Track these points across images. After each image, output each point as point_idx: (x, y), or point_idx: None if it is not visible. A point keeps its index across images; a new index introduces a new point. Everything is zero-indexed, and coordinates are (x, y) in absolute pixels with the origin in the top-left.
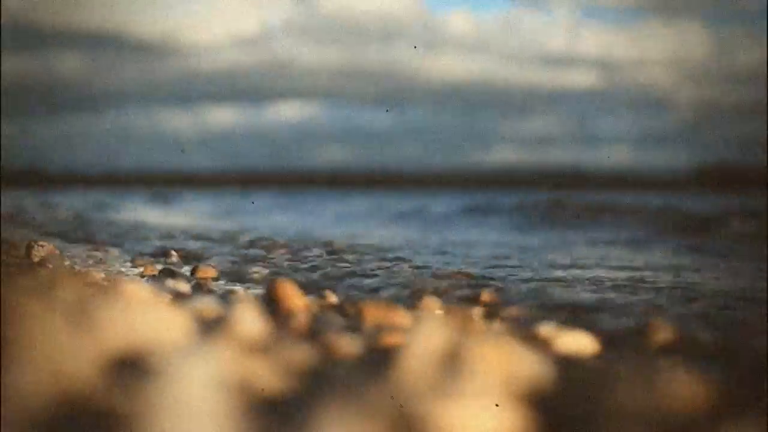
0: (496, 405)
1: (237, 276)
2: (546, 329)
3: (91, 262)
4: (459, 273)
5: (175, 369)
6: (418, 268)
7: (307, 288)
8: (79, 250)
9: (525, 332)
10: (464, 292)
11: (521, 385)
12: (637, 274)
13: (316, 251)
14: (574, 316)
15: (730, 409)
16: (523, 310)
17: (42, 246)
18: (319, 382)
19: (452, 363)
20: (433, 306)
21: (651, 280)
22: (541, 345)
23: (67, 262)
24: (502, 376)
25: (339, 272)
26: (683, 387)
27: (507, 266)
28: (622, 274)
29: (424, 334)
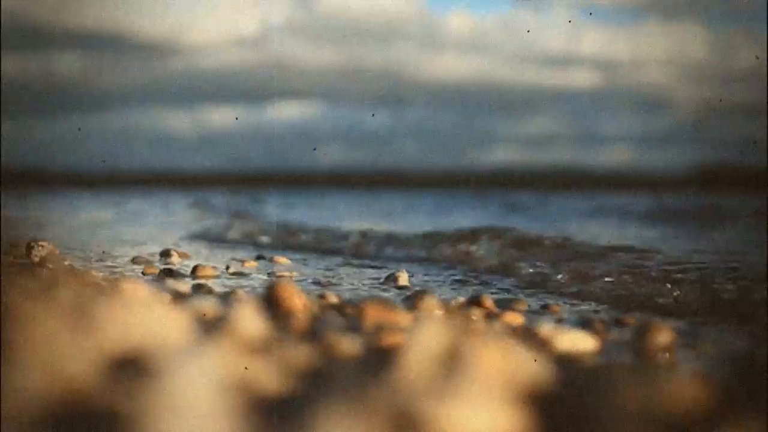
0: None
1: None
2: (546, 329)
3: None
4: None
5: (175, 369)
6: None
7: None
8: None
9: (525, 332)
10: None
11: (521, 385)
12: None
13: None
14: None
15: (730, 409)
16: None
17: (42, 246)
18: (319, 382)
19: (452, 363)
20: (432, 306)
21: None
22: (541, 345)
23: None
24: (502, 376)
25: None
26: (683, 387)
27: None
28: None
29: (424, 335)
